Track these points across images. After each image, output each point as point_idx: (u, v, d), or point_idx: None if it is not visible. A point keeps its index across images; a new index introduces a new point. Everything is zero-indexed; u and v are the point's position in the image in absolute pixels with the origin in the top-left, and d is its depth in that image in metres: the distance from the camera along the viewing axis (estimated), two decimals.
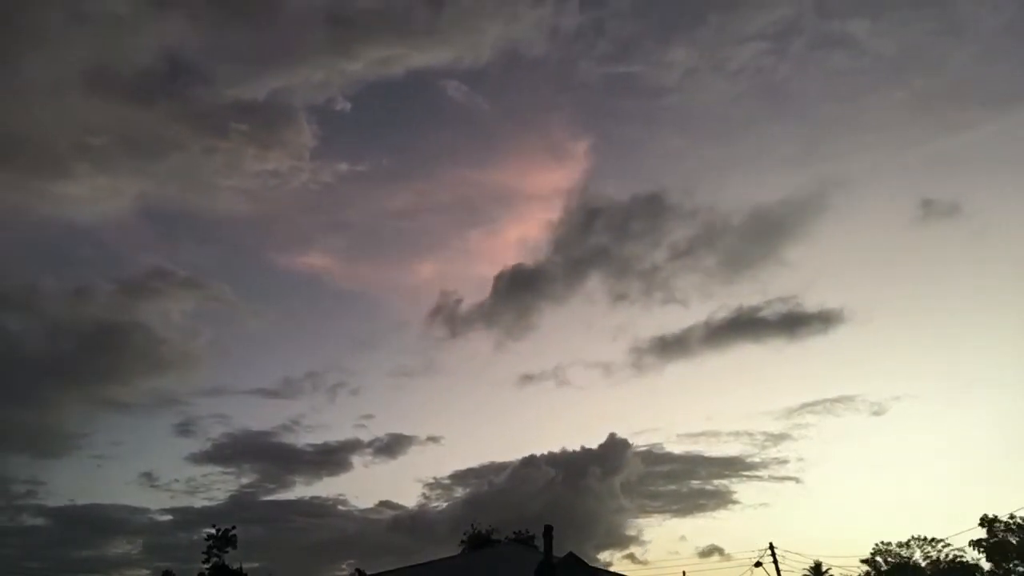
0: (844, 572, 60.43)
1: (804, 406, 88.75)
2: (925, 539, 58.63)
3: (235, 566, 49.40)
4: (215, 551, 48.87)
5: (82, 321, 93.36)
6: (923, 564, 57.75)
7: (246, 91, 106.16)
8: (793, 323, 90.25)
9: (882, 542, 60.32)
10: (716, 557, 67.60)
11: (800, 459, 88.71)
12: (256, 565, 56.11)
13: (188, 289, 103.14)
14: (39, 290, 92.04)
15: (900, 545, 59.47)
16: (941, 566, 56.39)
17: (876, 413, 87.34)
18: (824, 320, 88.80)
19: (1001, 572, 53.89)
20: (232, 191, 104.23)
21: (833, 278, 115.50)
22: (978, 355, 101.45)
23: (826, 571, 57.97)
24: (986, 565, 54.85)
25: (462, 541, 57.88)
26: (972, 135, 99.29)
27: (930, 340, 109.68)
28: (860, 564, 59.86)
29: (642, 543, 76.15)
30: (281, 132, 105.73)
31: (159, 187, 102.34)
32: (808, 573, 58.22)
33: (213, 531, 49.65)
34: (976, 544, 55.19)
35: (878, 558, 59.80)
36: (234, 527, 50.21)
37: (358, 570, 53.25)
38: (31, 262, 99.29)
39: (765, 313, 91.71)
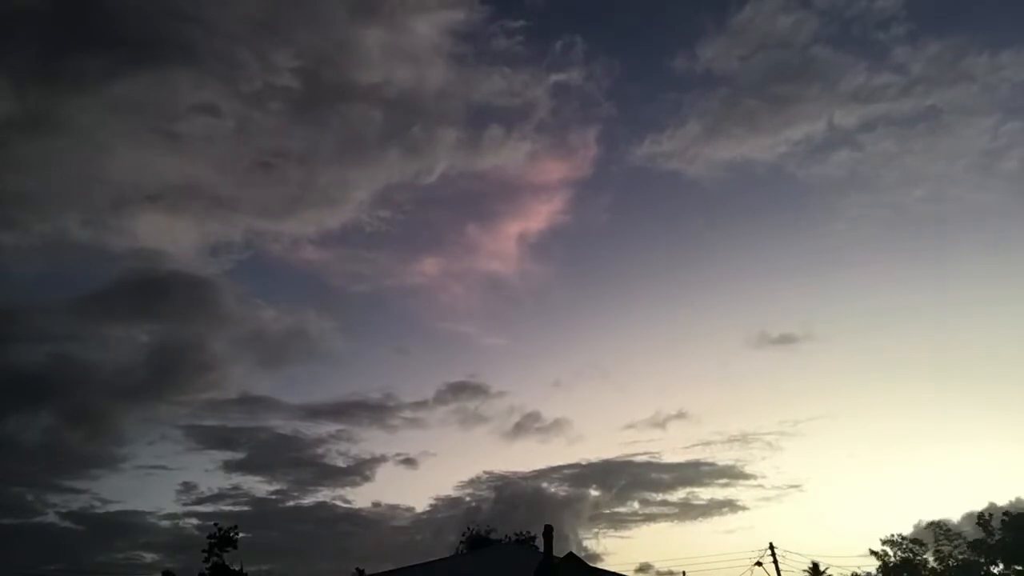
0: (843, 572, 60.46)
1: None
2: (940, 526, 58.04)
3: (235, 566, 49.45)
4: (216, 551, 48.94)
5: (142, 341, 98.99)
6: (932, 562, 57.23)
7: (314, 174, 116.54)
8: None
9: (898, 534, 59.74)
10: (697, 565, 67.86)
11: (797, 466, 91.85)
12: (266, 567, 57.32)
13: (245, 310, 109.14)
14: (103, 314, 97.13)
15: (913, 541, 58.93)
16: (951, 563, 56.05)
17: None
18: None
19: (998, 572, 54.03)
20: (292, 236, 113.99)
21: None
22: None
23: (824, 571, 58.11)
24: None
25: (462, 541, 58.06)
26: None
27: None
28: (870, 553, 59.44)
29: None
30: (343, 195, 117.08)
31: (226, 228, 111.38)
32: (807, 573, 58.41)
33: (216, 530, 49.72)
34: (972, 545, 55.27)
35: (887, 548, 59.30)
36: (235, 526, 50.37)
37: (358, 569, 53.37)
38: (100, 290, 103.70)
39: None
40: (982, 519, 55.62)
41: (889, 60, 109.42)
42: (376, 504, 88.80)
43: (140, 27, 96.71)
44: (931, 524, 58.26)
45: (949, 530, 57.54)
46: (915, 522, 62.49)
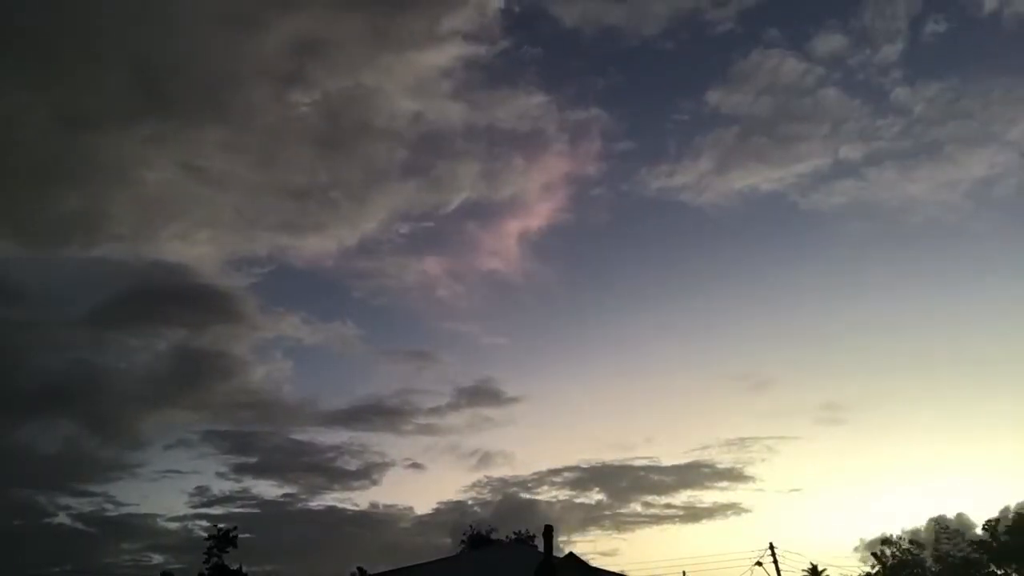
0: (843, 572, 60.54)
1: None
2: (945, 526, 57.84)
3: (235, 566, 49.37)
4: (215, 551, 48.84)
5: (161, 350, 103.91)
6: (930, 562, 57.12)
7: (335, 202, 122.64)
8: None
9: (890, 537, 59.68)
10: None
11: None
12: (271, 567, 57.54)
13: (265, 319, 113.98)
14: (122, 324, 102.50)
15: (911, 542, 58.78)
16: (950, 561, 55.99)
17: None
18: None
19: (1002, 572, 54.02)
20: (314, 251, 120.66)
21: None
22: None
23: (822, 572, 58.18)
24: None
25: (462, 541, 58.01)
26: None
27: None
28: (867, 556, 59.47)
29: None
30: (363, 217, 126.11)
31: (250, 244, 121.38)
32: (806, 573, 58.46)
33: (215, 530, 49.65)
34: (979, 544, 55.25)
35: (885, 549, 59.21)
36: (235, 527, 50.30)
37: (359, 568, 53.31)
38: (120, 300, 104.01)
39: None
40: (988, 525, 55.64)
41: (891, 102, 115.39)
42: (374, 505, 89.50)
43: (163, 73, 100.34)
44: (933, 520, 58.64)
45: (955, 529, 57.71)
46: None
